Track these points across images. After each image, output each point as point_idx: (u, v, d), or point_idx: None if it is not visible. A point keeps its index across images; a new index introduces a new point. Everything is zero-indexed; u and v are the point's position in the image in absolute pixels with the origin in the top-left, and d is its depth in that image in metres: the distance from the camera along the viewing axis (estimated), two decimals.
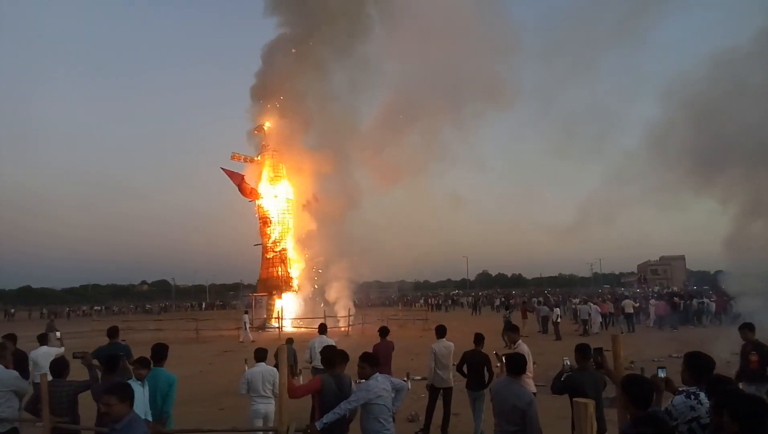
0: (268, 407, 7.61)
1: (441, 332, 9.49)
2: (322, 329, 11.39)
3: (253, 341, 24.77)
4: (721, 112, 18.87)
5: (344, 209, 37.65)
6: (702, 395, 3.65)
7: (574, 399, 3.17)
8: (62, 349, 10.10)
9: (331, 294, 36.59)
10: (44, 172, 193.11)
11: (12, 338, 8.30)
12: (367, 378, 5.45)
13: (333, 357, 5.61)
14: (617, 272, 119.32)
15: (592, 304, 28.01)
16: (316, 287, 38.68)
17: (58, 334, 13.81)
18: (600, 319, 27.36)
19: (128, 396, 3.82)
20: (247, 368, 8.79)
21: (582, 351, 6.21)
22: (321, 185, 37.88)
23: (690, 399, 3.65)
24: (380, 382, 5.44)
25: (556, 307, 27.55)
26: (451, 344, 9.41)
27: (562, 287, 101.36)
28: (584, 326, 26.04)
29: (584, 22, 45.77)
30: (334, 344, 7.97)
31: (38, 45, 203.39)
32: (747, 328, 8.47)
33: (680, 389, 3.93)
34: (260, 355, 7.98)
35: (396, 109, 40.45)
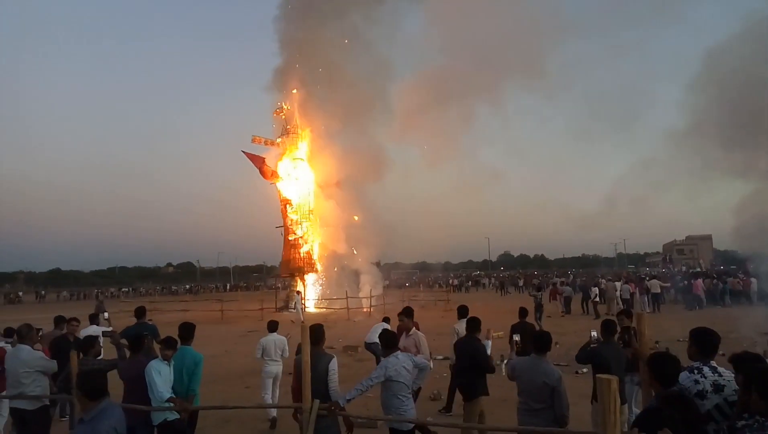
0: (278, 368, 9.01)
1: (463, 312, 9.42)
2: (271, 326, 9.54)
3: (302, 321, 24.94)
4: (753, 87, 18.40)
5: (367, 188, 37.69)
6: (705, 369, 3.69)
7: (598, 375, 3.16)
8: (110, 329, 10.34)
9: (360, 276, 36.79)
10: (73, 161, 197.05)
11: (70, 320, 8.61)
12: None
13: (316, 335, 5.58)
14: (642, 253, 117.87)
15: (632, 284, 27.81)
16: (336, 269, 38.82)
17: (106, 315, 14.16)
18: (645, 298, 26.81)
19: (93, 388, 3.73)
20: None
21: (607, 326, 6.40)
22: (345, 163, 37.66)
23: (693, 373, 3.69)
24: (400, 360, 5.54)
25: (594, 287, 27.11)
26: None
27: (585, 268, 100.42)
28: (625, 305, 25.65)
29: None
30: (286, 342, 9.12)
31: (64, 35, 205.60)
32: (624, 314, 7.86)
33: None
34: (272, 326, 9.23)
35: (426, 84, 40.03)
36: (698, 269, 57.54)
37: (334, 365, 5.52)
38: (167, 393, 5.77)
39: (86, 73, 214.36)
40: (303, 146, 39.53)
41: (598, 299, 26.11)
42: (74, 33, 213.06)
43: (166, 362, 5.96)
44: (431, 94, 39.90)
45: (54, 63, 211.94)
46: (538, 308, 21.02)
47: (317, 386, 5.27)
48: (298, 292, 29.75)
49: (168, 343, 6.09)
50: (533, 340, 5.51)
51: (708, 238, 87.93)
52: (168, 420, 5.85)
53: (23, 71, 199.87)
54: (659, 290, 27.16)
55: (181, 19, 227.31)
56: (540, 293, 23.18)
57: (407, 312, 9.92)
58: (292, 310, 31.66)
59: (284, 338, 9.21)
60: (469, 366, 6.67)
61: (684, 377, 3.70)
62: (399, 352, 5.64)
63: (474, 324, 7.01)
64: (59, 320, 9.24)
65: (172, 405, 5.79)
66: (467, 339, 7.00)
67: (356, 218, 37.85)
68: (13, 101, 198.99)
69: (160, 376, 5.79)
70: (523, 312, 10.10)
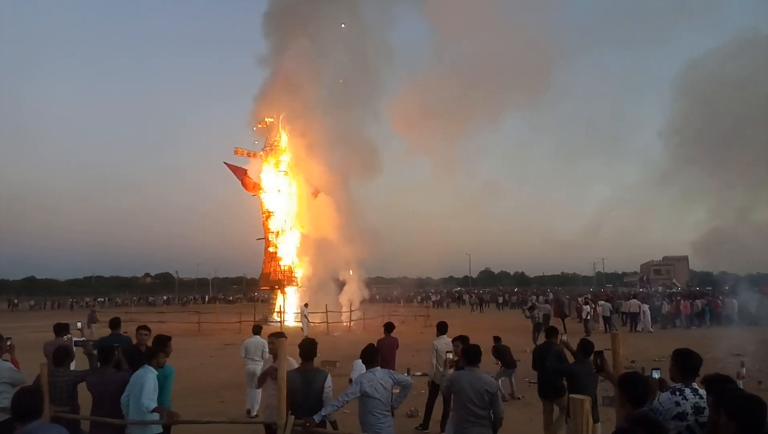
0: (257, 366, 10.12)
1: (442, 328, 9.47)
2: (255, 330, 11.17)
3: (306, 336, 24.51)
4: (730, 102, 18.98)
5: (349, 203, 37.53)
6: (687, 391, 3.74)
7: (571, 395, 3.18)
8: (83, 338, 10.12)
9: (343, 290, 36.52)
10: (49, 166, 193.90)
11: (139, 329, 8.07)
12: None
13: (309, 350, 5.56)
14: (620, 272, 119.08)
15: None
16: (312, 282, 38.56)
17: (79, 324, 13.75)
18: (649, 319, 27.19)
19: (19, 410, 3.36)
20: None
21: (584, 347, 6.57)
22: (326, 177, 37.51)
23: (675, 395, 3.72)
24: (378, 376, 5.47)
25: (585, 305, 27.19)
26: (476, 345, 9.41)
27: (564, 286, 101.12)
28: (607, 324, 26.09)
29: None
30: (266, 344, 9.47)
31: (38, 39, 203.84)
32: (459, 340, 8.00)
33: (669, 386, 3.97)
34: (256, 330, 10.96)
35: (417, 94, 40.23)
36: (674, 290, 58.33)
37: (329, 382, 5.46)
38: (153, 404, 5.47)
39: (70, 79, 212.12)
40: (285, 158, 39.45)
41: (589, 317, 26.11)
42: (51, 35, 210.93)
43: (155, 371, 5.76)
44: (420, 104, 40.05)
45: (28, 67, 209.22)
46: (537, 328, 20.52)
47: (311, 403, 5.21)
48: (306, 304, 29.40)
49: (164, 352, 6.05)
50: (465, 353, 5.84)
51: (684, 259, 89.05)
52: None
53: (9, 75, 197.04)
54: (637, 310, 27.44)
55: (168, 32, 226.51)
56: (535, 312, 22.52)
57: (388, 327, 9.93)
58: (271, 323, 31.42)
59: (265, 341, 9.91)
60: (551, 369, 7.14)
61: (665, 398, 3.74)
62: (378, 368, 5.58)
63: (552, 331, 8.31)
64: (60, 329, 9.09)
65: (156, 416, 5.48)
66: (547, 344, 8.11)
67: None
68: None
69: (151, 385, 5.56)
70: (441, 327, 9.56)
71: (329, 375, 5.61)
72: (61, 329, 9.01)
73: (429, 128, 42.47)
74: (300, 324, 28.03)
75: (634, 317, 27.08)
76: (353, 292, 36.05)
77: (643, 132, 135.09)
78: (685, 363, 3.90)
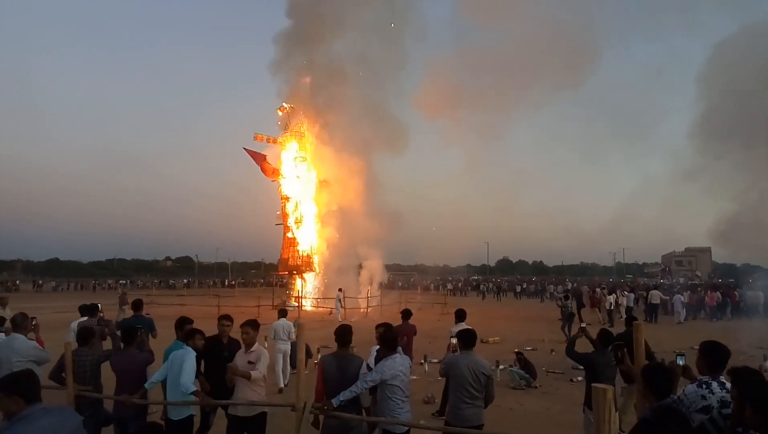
0: (286, 346, 11.40)
1: (460, 316, 9.45)
2: (281, 313, 11.97)
3: (342, 320, 25.09)
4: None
5: (366, 189, 37.55)
6: (714, 384, 3.66)
7: (593, 384, 3.14)
8: (105, 319, 10.33)
9: (362, 274, 36.68)
10: (73, 150, 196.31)
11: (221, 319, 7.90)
12: (386, 357, 5.51)
13: (345, 336, 5.56)
14: (640, 262, 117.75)
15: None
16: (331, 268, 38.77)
17: (126, 308, 14.06)
18: (681, 310, 26.98)
19: (17, 391, 3.15)
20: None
21: (604, 337, 6.56)
22: (345, 165, 37.54)
23: (701, 388, 3.65)
24: (398, 363, 5.48)
25: (610, 295, 26.85)
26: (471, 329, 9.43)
27: (583, 276, 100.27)
28: (654, 315, 25.93)
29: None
30: (292, 326, 11.10)
31: (63, 22, 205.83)
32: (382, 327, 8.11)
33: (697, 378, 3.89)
34: (282, 313, 11.86)
35: (445, 75, 40.10)
36: (696, 281, 57.56)
37: (365, 368, 5.48)
38: (193, 386, 5.53)
39: (91, 62, 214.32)
40: (305, 143, 39.50)
41: (612, 307, 25.86)
42: (82, 22, 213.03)
43: (194, 353, 5.83)
44: (449, 89, 40.06)
45: (59, 51, 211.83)
46: (568, 318, 19.75)
47: (345, 388, 5.18)
48: (341, 289, 29.61)
49: (201, 333, 6.14)
50: (459, 336, 6.09)
51: (707, 250, 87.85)
52: (187, 416, 5.67)
53: (27, 58, 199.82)
54: (658, 301, 27.14)
55: (193, 15, 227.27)
56: (569, 302, 21.45)
57: (406, 314, 9.93)
58: (289, 308, 31.63)
59: (290, 323, 11.52)
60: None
61: (691, 390, 3.67)
62: (397, 355, 5.59)
63: (631, 320, 8.37)
64: (85, 310, 9.31)
65: (194, 398, 5.54)
66: (627, 332, 7.88)
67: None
68: (16, 88, 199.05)
69: (191, 366, 5.66)
70: (460, 314, 9.57)
71: (365, 362, 5.63)
72: (91, 310, 9.22)
73: (456, 114, 42.49)
74: (335, 310, 28.15)
75: (654, 309, 26.74)
76: (374, 270, 36.12)
77: (670, 123, 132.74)
78: (713, 356, 3.81)
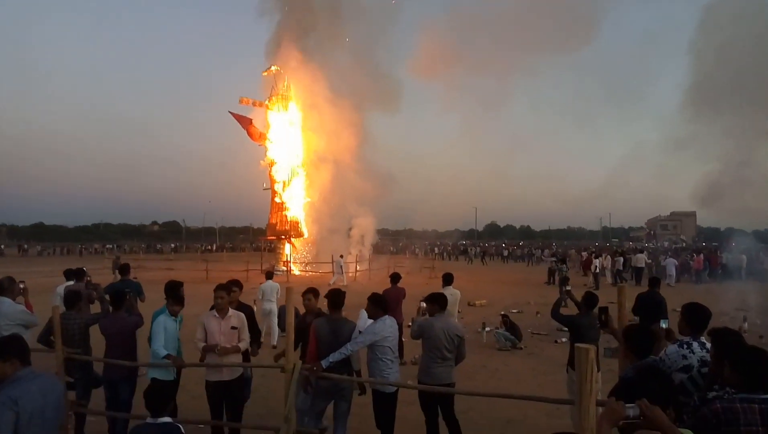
0: (273, 306, 11.97)
1: (448, 279, 9.51)
2: (269, 275, 12.51)
3: (345, 285, 24.86)
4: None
5: (358, 146, 37.43)
6: (695, 344, 3.75)
7: (576, 344, 3.20)
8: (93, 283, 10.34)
9: (352, 236, 36.64)
10: (58, 110, 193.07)
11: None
12: (375, 319, 5.59)
13: (337, 300, 5.64)
14: (626, 227, 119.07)
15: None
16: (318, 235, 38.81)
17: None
18: (674, 273, 27.38)
19: (15, 354, 3.23)
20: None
21: (589, 299, 6.67)
22: (337, 116, 37.25)
23: (682, 348, 3.74)
24: (387, 325, 5.59)
25: (596, 259, 27.06)
26: (458, 292, 9.58)
27: (569, 240, 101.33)
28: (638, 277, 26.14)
29: None
30: (278, 287, 11.68)
31: None
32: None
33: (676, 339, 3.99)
34: (269, 275, 12.53)
35: (434, 40, 39.73)
36: (681, 245, 58.42)
37: (356, 332, 5.56)
38: (164, 351, 5.57)
39: (80, 24, 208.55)
40: (292, 106, 38.96)
41: (597, 270, 26.06)
42: None
43: (173, 318, 5.92)
44: (442, 49, 39.71)
45: (47, 10, 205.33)
46: (563, 281, 20.09)
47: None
48: (342, 256, 29.61)
49: (176, 299, 6.01)
50: (432, 299, 6.02)
51: (692, 215, 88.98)
52: (158, 379, 5.54)
53: (15, 16, 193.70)
54: (643, 265, 27.57)
55: None
56: (565, 265, 21.86)
57: (395, 278, 10.10)
58: (278, 273, 31.79)
59: (277, 284, 12.17)
60: (652, 317, 7.13)
61: (672, 350, 3.76)
62: (386, 317, 5.66)
63: (655, 282, 9.34)
64: (71, 274, 9.30)
65: (168, 362, 5.60)
66: (650, 292, 8.77)
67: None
68: (2, 49, 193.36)
69: (165, 332, 5.71)
70: (447, 278, 9.53)
71: (357, 325, 5.72)
72: (77, 274, 9.20)
73: (449, 77, 42.45)
74: (335, 275, 27.99)
75: (639, 272, 27.17)
76: (366, 230, 36.19)
77: (660, 89, 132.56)
78: (694, 317, 3.89)
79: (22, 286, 6.76)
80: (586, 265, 28.16)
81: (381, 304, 5.72)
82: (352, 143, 36.97)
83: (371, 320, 5.75)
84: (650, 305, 8.19)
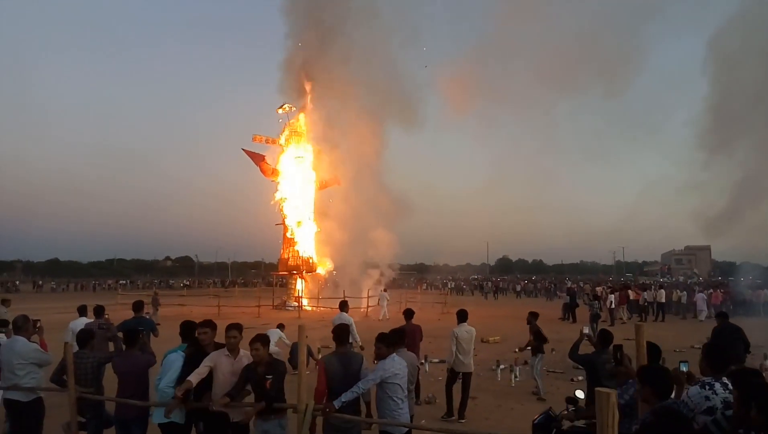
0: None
1: (462, 316, 9.35)
2: (343, 306, 11.16)
3: (388, 318, 25.81)
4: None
5: (368, 188, 37.67)
6: (717, 385, 3.66)
7: (597, 388, 3.14)
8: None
9: (363, 277, 36.57)
10: (74, 150, 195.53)
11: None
12: (383, 358, 5.52)
13: (342, 335, 5.64)
14: (640, 261, 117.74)
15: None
16: (333, 271, 38.79)
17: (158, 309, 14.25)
18: (705, 308, 27.27)
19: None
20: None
21: (604, 336, 6.58)
22: (347, 163, 37.70)
23: (705, 389, 3.65)
24: (396, 362, 5.50)
25: (611, 294, 26.22)
26: (473, 329, 9.41)
27: (583, 274, 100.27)
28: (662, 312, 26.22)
29: None
30: (350, 322, 9.81)
31: (66, 20, 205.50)
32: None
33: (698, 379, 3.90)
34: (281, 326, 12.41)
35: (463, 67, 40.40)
36: (694, 280, 57.58)
37: (365, 364, 5.56)
38: (172, 390, 5.40)
39: (91, 61, 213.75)
40: (304, 143, 39.49)
41: (613, 306, 25.18)
42: (81, 21, 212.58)
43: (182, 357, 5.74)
44: (462, 79, 40.31)
45: (58, 50, 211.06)
46: (594, 318, 20.01)
47: (349, 387, 5.20)
48: (385, 289, 29.82)
49: (193, 341, 5.90)
50: (389, 337, 5.79)
51: (707, 249, 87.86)
52: (169, 420, 5.44)
53: (26, 57, 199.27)
54: (663, 300, 27.24)
55: (188, 13, 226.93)
56: (597, 302, 21.86)
57: (408, 314, 9.67)
58: (289, 308, 31.71)
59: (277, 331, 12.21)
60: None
61: (694, 392, 3.67)
62: (394, 354, 5.59)
63: (723, 315, 10.58)
64: (84, 311, 9.43)
65: (172, 401, 5.36)
66: (725, 324, 9.79)
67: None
68: (16, 87, 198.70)
69: (172, 370, 5.59)
70: (461, 315, 9.40)
71: (364, 358, 5.68)
72: (96, 310, 9.35)
73: (464, 109, 42.89)
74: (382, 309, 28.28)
75: (661, 307, 26.91)
76: (384, 261, 36.51)
77: (672, 122, 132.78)
78: (716, 357, 3.82)
79: (38, 325, 6.81)
80: (623, 300, 27.49)
81: (387, 341, 5.65)
82: (366, 175, 37.39)
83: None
84: (730, 336, 8.41)
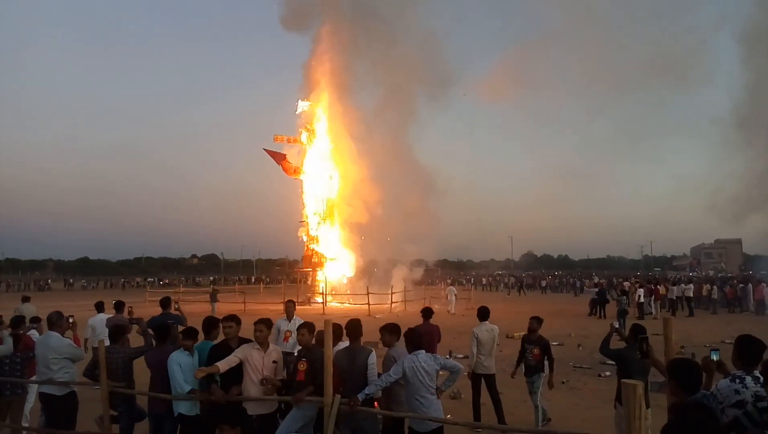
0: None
1: (484, 314, 8.66)
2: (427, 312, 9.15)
3: (454, 313, 26.72)
4: None
5: (395, 184, 37.82)
6: (748, 379, 3.58)
7: (623, 380, 3.11)
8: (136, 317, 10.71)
9: (386, 274, 36.67)
10: (102, 151, 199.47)
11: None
12: (389, 346, 5.60)
13: (355, 330, 5.74)
14: (668, 255, 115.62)
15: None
16: (353, 266, 38.93)
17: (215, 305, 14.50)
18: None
19: None
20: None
21: (635, 331, 6.49)
22: (371, 157, 37.86)
23: (735, 382, 3.58)
24: (421, 359, 5.42)
25: (640, 288, 25.70)
26: (495, 327, 8.76)
27: (610, 269, 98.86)
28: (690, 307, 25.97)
29: None
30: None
31: (84, 20, 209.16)
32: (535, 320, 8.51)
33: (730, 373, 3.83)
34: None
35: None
36: (725, 274, 56.34)
37: (372, 358, 5.56)
38: (187, 386, 5.60)
39: (121, 65, 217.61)
40: (327, 140, 39.66)
41: (641, 300, 24.57)
42: (107, 26, 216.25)
43: (187, 353, 5.86)
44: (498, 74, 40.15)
45: (83, 50, 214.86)
46: (622, 313, 20.15)
47: (355, 381, 5.28)
48: (452, 283, 30.54)
49: (187, 333, 6.04)
50: (392, 326, 6.03)
51: (737, 242, 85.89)
52: (184, 414, 5.70)
53: (51, 59, 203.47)
54: (691, 295, 26.84)
55: (213, 16, 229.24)
56: (625, 298, 21.84)
57: (426, 313, 8.90)
58: (315, 303, 31.88)
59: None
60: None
61: (724, 385, 3.61)
62: (421, 352, 5.51)
63: None
64: (116, 306, 9.74)
65: (192, 396, 5.62)
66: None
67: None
68: (44, 91, 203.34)
69: (180, 368, 5.67)
70: (483, 313, 8.76)
71: (373, 352, 5.70)
72: (116, 306, 9.63)
73: (497, 98, 42.87)
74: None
75: (689, 302, 26.45)
76: (401, 275, 36.24)
77: (702, 113, 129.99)
78: (747, 350, 3.73)
79: (71, 320, 6.98)
80: (657, 296, 27.00)
81: (415, 340, 5.66)
82: (393, 168, 37.63)
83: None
84: None
